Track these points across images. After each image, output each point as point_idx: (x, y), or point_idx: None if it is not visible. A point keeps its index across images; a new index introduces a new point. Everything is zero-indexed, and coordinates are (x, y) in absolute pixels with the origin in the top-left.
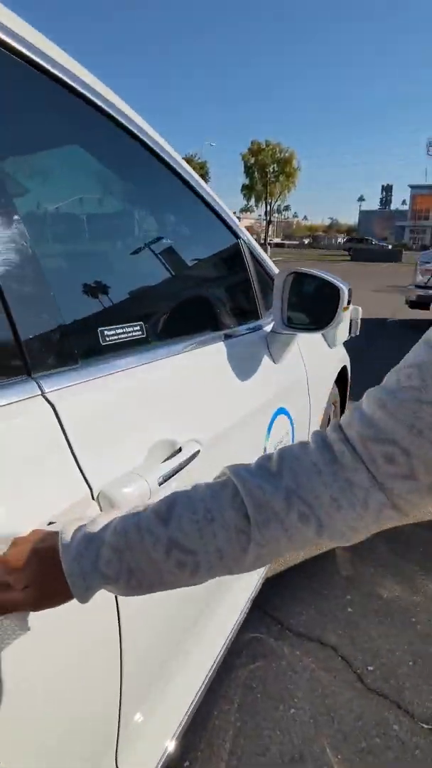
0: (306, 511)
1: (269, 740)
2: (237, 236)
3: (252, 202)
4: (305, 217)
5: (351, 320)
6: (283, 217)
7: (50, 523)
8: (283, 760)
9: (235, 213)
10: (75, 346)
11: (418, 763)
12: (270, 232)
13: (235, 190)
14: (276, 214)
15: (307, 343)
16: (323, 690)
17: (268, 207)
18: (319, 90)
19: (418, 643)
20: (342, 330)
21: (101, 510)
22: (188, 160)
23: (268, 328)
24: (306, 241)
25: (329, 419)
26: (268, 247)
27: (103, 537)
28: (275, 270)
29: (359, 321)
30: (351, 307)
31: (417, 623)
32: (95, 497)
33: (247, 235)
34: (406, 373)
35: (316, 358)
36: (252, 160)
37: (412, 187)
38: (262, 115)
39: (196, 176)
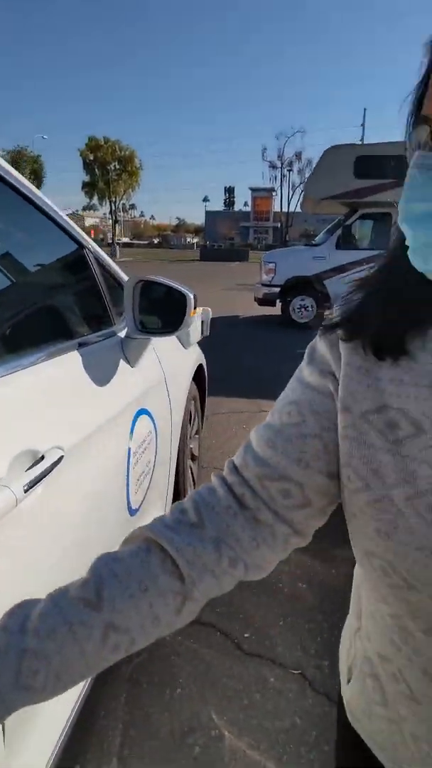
0: (233, 555)
1: (159, 723)
2: (81, 245)
3: (95, 200)
4: (152, 217)
5: (202, 321)
6: (130, 216)
7: None
8: (174, 738)
9: (77, 211)
10: None
11: (290, 704)
12: (117, 232)
13: (76, 187)
14: (122, 213)
15: (162, 346)
16: (206, 665)
17: (113, 206)
18: (166, 93)
19: (286, 605)
20: (195, 331)
21: None
22: (20, 153)
23: (122, 333)
24: (156, 241)
25: (191, 415)
26: (117, 247)
27: (20, 645)
28: (124, 276)
29: (209, 321)
30: (201, 309)
31: (283, 588)
32: None
33: (92, 244)
34: (287, 410)
35: (172, 359)
36: (91, 157)
37: (252, 189)
38: (104, 115)
39: (31, 187)
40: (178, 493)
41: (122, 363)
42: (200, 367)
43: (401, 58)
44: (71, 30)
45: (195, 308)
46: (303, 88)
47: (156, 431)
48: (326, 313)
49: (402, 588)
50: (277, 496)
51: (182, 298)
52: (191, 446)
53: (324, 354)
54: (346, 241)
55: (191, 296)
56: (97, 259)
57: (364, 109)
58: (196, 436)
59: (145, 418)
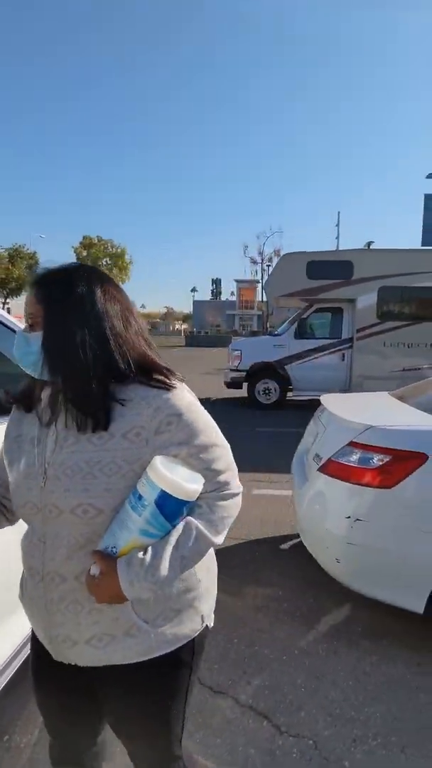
0: None
1: None
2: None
3: None
4: (143, 305)
5: None
6: None
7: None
8: None
9: None
10: None
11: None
12: None
13: None
14: None
15: None
16: None
17: None
18: (160, 196)
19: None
20: None
21: None
22: (17, 251)
23: None
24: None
25: None
26: None
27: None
28: None
29: None
30: None
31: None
32: None
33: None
34: None
35: None
36: (84, 253)
37: (238, 281)
38: (96, 216)
39: None
40: None
41: None
42: None
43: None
44: (66, 138)
45: None
46: (281, 191)
47: None
48: (288, 394)
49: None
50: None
51: None
52: None
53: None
54: (303, 332)
55: None
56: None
57: (338, 213)
58: None
59: None
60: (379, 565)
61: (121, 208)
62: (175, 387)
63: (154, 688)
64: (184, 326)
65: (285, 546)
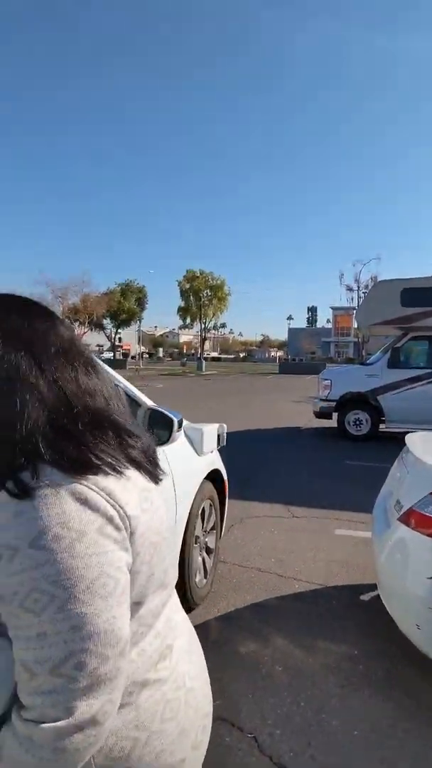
0: None
1: None
2: (115, 385)
3: (188, 321)
4: (240, 333)
5: (219, 435)
6: (219, 333)
7: None
8: None
9: (174, 330)
10: None
11: (237, 760)
12: (207, 347)
13: (171, 310)
14: (213, 331)
15: (173, 452)
16: None
17: (203, 326)
18: (255, 228)
19: (258, 681)
20: (209, 442)
21: None
22: (128, 285)
23: None
24: (242, 355)
25: (204, 510)
26: (203, 362)
27: None
28: (146, 401)
29: (225, 434)
30: (218, 425)
31: (261, 668)
32: None
33: (123, 382)
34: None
35: (181, 463)
36: (187, 286)
37: (333, 308)
38: (199, 250)
39: None
40: (182, 574)
41: None
42: (216, 471)
43: None
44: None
45: (180, 428)
46: (382, 215)
47: None
48: (381, 426)
49: None
50: None
51: (170, 420)
52: (206, 540)
53: None
54: (397, 361)
55: (176, 420)
56: (125, 392)
57: None
58: (212, 531)
59: None
60: None
61: (223, 240)
62: (33, 494)
63: None
64: (279, 353)
65: (366, 597)
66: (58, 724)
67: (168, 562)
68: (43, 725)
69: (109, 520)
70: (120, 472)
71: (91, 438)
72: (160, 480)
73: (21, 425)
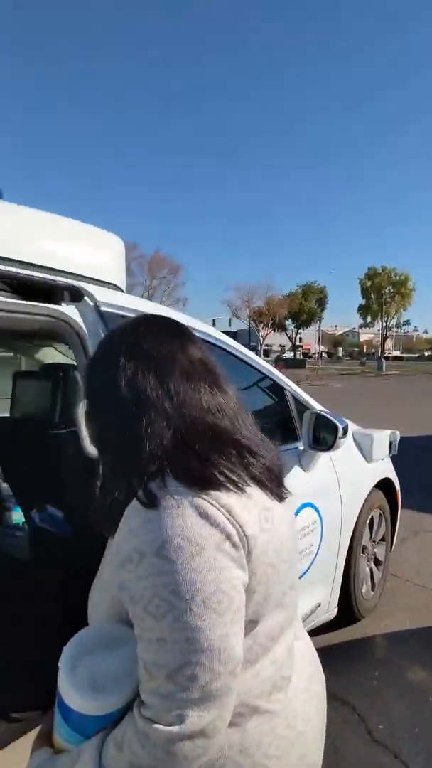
0: None
1: None
2: (282, 387)
3: (368, 319)
4: (426, 331)
5: (390, 442)
6: (403, 331)
7: None
8: None
9: (354, 329)
10: None
11: None
12: (389, 345)
13: (350, 309)
14: (395, 329)
15: (341, 458)
16: (335, 738)
17: (384, 324)
18: None
19: (428, 715)
20: (379, 449)
21: None
22: (309, 287)
23: (301, 447)
24: (426, 354)
25: (372, 519)
26: (383, 361)
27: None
28: (314, 404)
29: (397, 442)
30: (391, 431)
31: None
32: None
33: (290, 386)
34: None
35: (348, 469)
36: (369, 284)
37: None
38: (383, 245)
39: (247, 352)
40: (347, 582)
41: (296, 468)
42: (387, 480)
43: None
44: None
45: (345, 434)
46: None
47: (321, 522)
48: None
49: None
50: None
51: (335, 426)
52: (374, 551)
53: None
54: None
55: (341, 426)
56: (294, 396)
57: None
58: (382, 542)
59: (309, 510)
60: None
61: (404, 236)
62: (160, 505)
63: None
64: None
65: None
66: (171, 728)
67: (288, 584)
68: (158, 726)
69: (228, 537)
70: (242, 490)
71: (214, 455)
72: (284, 498)
73: (147, 442)
